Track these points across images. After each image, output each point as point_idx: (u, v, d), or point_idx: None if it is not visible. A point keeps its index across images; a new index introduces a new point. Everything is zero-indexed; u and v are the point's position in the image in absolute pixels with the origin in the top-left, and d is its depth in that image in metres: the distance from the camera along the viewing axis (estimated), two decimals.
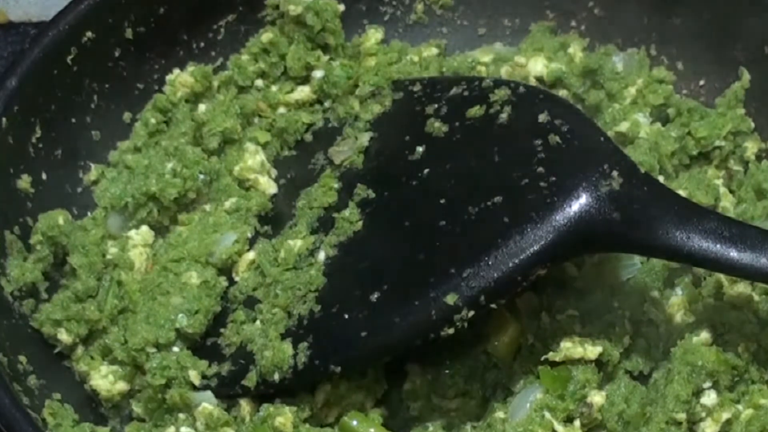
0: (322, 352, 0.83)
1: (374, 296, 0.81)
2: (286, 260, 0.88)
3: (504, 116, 0.86)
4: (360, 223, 0.86)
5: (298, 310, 0.85)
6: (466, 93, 0.90)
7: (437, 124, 0.89)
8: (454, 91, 0.91)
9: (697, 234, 0.77)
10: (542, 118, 0.84)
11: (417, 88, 0.94)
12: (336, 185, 0.90)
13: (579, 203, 0.78)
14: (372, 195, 0.88)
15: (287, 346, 0.83)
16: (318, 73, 0.98)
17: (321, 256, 0.86)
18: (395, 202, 0.87)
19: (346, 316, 0.82)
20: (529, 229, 0.78)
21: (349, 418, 0.85)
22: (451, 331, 0.79)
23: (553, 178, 0.79)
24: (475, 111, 0.88)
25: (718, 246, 0.77)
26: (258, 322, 0.87)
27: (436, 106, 0.90)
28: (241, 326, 0.87)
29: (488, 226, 0.80)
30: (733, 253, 0.76)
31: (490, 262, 0.78)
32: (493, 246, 0.78)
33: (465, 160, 0.86)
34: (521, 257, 0.77)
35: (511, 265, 0.77)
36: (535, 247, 0.77)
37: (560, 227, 0.77)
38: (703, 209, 0.80)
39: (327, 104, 0.98)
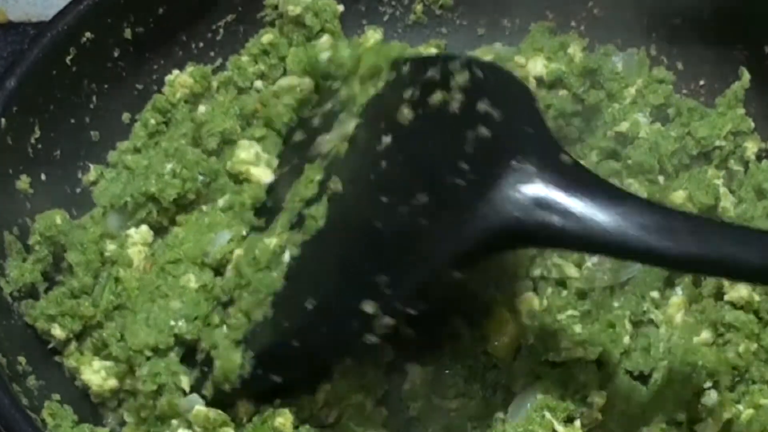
0: (262, 361, 0.81)
1: (310, 304, 0.78)
2: (259, 260, 0.85)
3: (455, 105, 0.80)
4: (323, 220, 0.83)
5: (255, 315, 0.83)
6: (437, 76, 0.82)
7: (406, 111, 0.82)
8: (430, 72, 0.83)
9: (626, 224, 0.70)
10: (480, 106, 0.78)
11: (406, 68, 0.86)
12: (318, 177, 0.86)
13: (495, 204, 0.72)
14: (340, 189, 0.83)
15: (237, 355, 0.82)
16: (324, 55, 0.95)
17: (286, 256, 0.83)
18: (353, 198, 0.82)
19: (285, 324, 0.80)
20: (441, 233, 0.73)
21: (349, 419, 0.85)
22: (374, 339, 0.76)
23: (473, 177, 0.74)
24: (436, 98, 0.81)
25: (645, 234, 0.70)
26: (224, 327, 0.85)
27: (411, 90, 0.83)
28: (213, 330, 0.86)
29: (409, 229, 0.75)
30: (656, 242, 0.70)
31: (403, 268, 0.74)
32: (408, 251, 0.74)
33: (413, 154, 0.80)
34: (433, 263, 0.73)
35: (423, 270, 0.73)
36: (447, 253, 0.73)
37: (475, 230, 0.72)
38: (631, 197, 0.74)
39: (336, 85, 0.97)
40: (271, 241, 0.85)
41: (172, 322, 0.86)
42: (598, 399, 0.84)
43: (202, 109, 0.97)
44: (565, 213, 0.70)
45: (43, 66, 0.91)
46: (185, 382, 0.85)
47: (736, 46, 0.96)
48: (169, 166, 0.93)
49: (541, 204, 0.71)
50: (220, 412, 0.85)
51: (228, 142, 0.96)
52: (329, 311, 0.76)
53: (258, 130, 0.96)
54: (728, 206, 0.92)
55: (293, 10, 0.99)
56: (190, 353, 0.85)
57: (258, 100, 0.97)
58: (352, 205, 0.81)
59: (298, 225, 0.84)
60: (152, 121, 0.97)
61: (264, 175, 0.93)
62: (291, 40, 1.00)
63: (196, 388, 0.84)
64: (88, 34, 0.93)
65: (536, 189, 0.71)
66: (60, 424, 0.83)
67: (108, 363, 0.87)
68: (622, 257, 0.76)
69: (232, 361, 0.82)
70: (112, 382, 0.87)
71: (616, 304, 0.88)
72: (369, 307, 0.74)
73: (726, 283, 0.86)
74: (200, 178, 0.93)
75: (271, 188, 0.92)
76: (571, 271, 0.89)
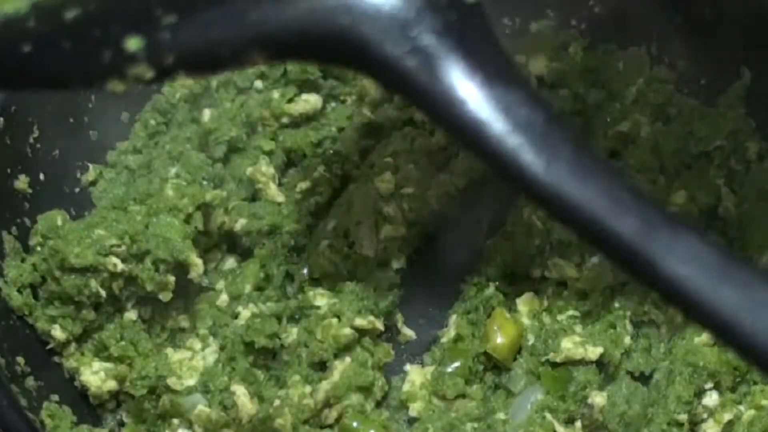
0: None
1: (70, 13, 0.61)
2: None
3: None
4: None
5: (6, 6, 0.63)
6: None
7: None
8: None
9: (493, 102, 0.54)
10: None
11: None
12: None
13: (357, 5, 0.56)
14: None
15: None
16: None
17: None
18: None
19: (29, 25, 0.62)
20: (267, 0, 0.58)
21: (350, 419, 0.85)
22: (120, 87, 0.60)
23: None
24: None
25: (514, 131, 0.54)
26: None
27: None
28: None
29: None
30: (530, 151, 0.53)
31: (202, 19, 0.58)
32: (220, 2, 0.59)
33: None
34: (238, 28, 0.58)
35: (222, 30, 0.58)
36: (260, 23, 0.58)
37: (306, 13, 0.57)
38: (523, 86, 0.56)
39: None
40: None
41: None
42: (598, 400, 0.84)
43: (207, 114, 0.97)
44: (432, 65, 0.55)
45: None
46: (173, 382, 0.86)
47: (738, 46, 0.96)
48: (173, 170, 0.93)
49: (410, 40, 0.55)
50: (221, 413, 0.84)
51: (234, 149, 0.96)
52: (86, 29, 0.61)
53: (266, 143, 0.96)
54: (729, 206, 0.92)
55: None
56: None
57: (268, 111, 0.97)
58: None
59: None
60: (152, 122, 0.97)
61: None
62: None
63: None
64: None
65: (414, 19, 0.56)
66: (59, 424, 0.84)
67: (108, 364, 0.88)
68: (475, 149, 0.56)
69: None
70: (111, 384, 0.87)
71: (616, 305, 0.88)
72: (134, 43, 0.59)
73: None
74: (204, 183, 0.93)
75: None
76: (572, 271, 0.89)
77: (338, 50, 0.56)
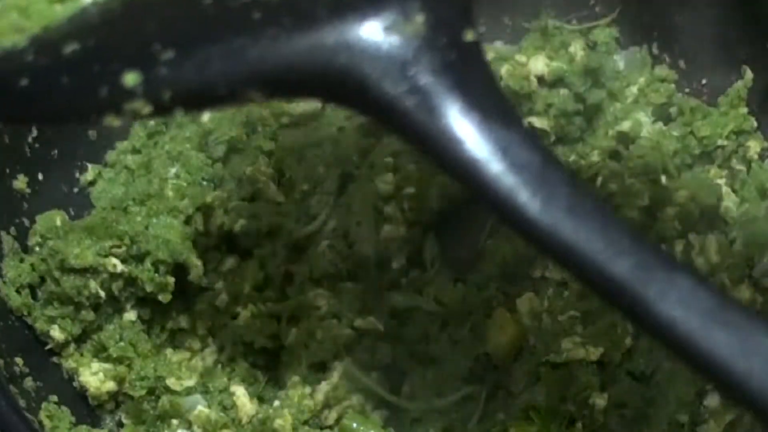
0: None
1: (69, 48, 0.61)
2: None
3: None
4: None
5: (4, 40, 0.64)
6: None
7: None
8: None
9: (490, 142, 0.54)
10: None
11: None
12: None
13: (347, 36, 0.55)
14: None
15: None
16: None
17: None
18: None
19: (28, 59, 0.63)
20: (264, 37, 0.57)
21: (349, 420, 0.85)
22: (116, 122, 0.60)
23: None
24: None
25: (512, 174, 0.53)
26: None
27: None
28: None
29: (236, 17, 0.59)
30: (526, 196, 0.53)
31: (200, 55, 0.58)
32: (219, 39, 0.58)
33: None
34: (236, 65, 0.57)
35: (220, 67, 0.58)
36: (258, 61, 0.57)
37: (304, 52, 0.56)
38: (520, 126, 0.56)
39: None
40: None
41: None
42: (599, 401, 0.84)
43: (206, 113, 0.97)
44: (430, 104, 0.54)
45: None
46: (172, 383, 0.86)
47: (739, 45, 0.96)
48: (173, 171, 0.93)
49: (409, 79, 0.55)
50: (221, 414, 0.84)
51: (234, 150, 0.96)
52: (84, 64, 0.61)
53: (266, 143, 0.96)
54: (731, 206, 0.92)
55: None
56: None
57: (268, 111, 0.97)
58: None
59: None
60: (152, 122, 0.97)
61: None
62: None
63: None
64: None
65: (421, 54, 0.55)
66: (58, 425, 0.83)
67: (107, 365, 0.88)
68: (472, 188, 0.55)
69: None
70: (111, 384, 0.87)
71: None
72: (132, 78, 0.58)
73: (729, 284, 0.86)
74: (204, 183, 0.93)
75: None
76: None
77: (337, 89, 0.56)
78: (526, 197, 0.53)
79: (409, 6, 0.56)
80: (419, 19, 0.55)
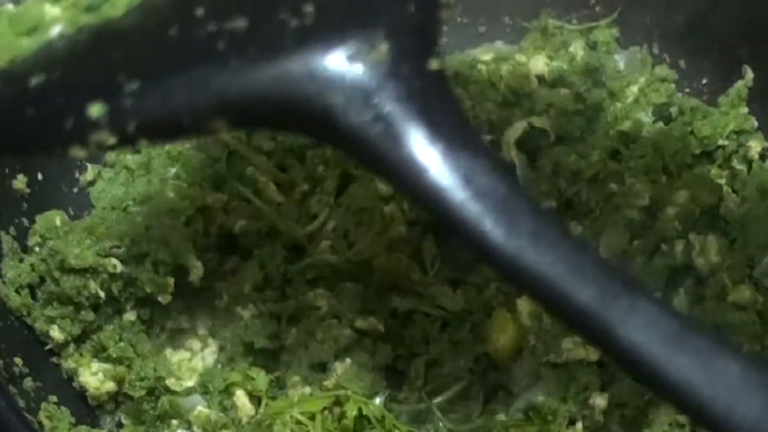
0: None
1: (36, 79, 0.61)
2: (24, 22, 0.67)
3: None
4: (122, 10, 0.65)
5: None
6: None
7: None
8: None
9: (454, 170, 0.54)
10: None
11: None
12: None
13: (311, 65, 0.55)
14: None
15: None
16: None
17: (55, 31, 0.65)
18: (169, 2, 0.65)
19: None
20: (229, 67, 0.57)
21: (350, 421, 0.85)
22: (82, 153, 0.59)
23: (309, 20, 0.57)
24: None
25: (475, 203, 0.53)
26: None
27: None
28: None
29: (200, 47, 0.59)
30: (490, 225, 0.53)
31: (165, 85, 0.57)
32: (183, 69, 0.58)
33: None
34: (200, 95, 0.57)
35: (185, 97, 0.57)
36: (222, 91, 0.57)
37: (269, 82, 0.56)
38: (485, 154, 0.55)
39: None
40: (52, 12, 0.68)
41: None
42: (600, 401, 0.84)
43: None
44: (394, 132, 0.54)
45: None
46: (172, 383, 0.86)
47: (740, 44, 0.96)
48: (173, 171, 0.93)
49: (373, 107, 0.55)
50: (220, 414, 0.84)
51: (234, 150, 0.96)
52: (50, 96, 0.61)
53: (266, 143, 0.96)
54: (731, 206, 0.92)
55: None
56: None
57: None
58: (163, 5, 0.64)
59: (93, 7, 0.67)
60: None
61: None
62: None
63: None
64: None
65: (385, 82, 0.55)
66: (57, 426, 0.83)
67: (106, 365, 0.87)
68: (437, 215, 0.55)
69: None
70: (110, 385, 0.87)
71: None
72: (96, 110, 0.58)
73: (729, 284, 0.86)
74: (204, 184, 0.93)
75: None
76: None
77: (301, 119, 0.56)
78: (489, 225, 0.52)
79: (373, 35, 0.55)
80: (383, 47, 0.55)
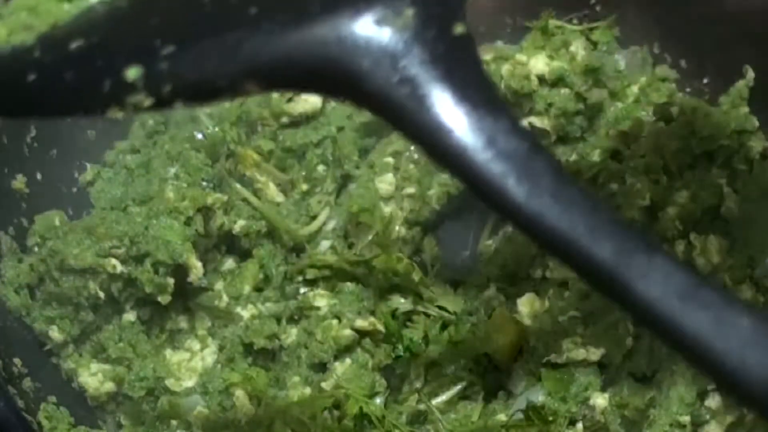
0: None
1: (75, 44, 0.63)
2: None
3: None
4: None
5: (15, 37, 0.66)
6: None
7: None
8: None
9: (478, 131, 0.55)
10: None
11: None
12: None
13: (340, 30, 0.57)
14: None
15: None
16: None
17: None
18: None
19: (34, 55, 0.65)
20: (260, 32, 0.59)
21: (349, 421, 0.85)
22: (119, 115, 0.61)
23: None
24: None
25: (496, 161, 0.55)
26: None
27: None
28: None
29: (234, 12, 0.61)
30: (512, 185, 0.55)
31: (199, 49, 0.60)
32: (216, 33, 0.60)
33: None
34: (233, 58, 0.59)
35: (218, 60, 0.60)
36: (254, 54, 0.59)
37: (299, 45, 0.58)
38: (507, 116, 0.57)
39: None
40: None
41: None
42: (600, 401, 0.84)
43: (206, 113, 0.97)
44: (420, 95, 0.56)
45: None
46: (172, 383, 0.86)
47: (740, 44, 0.96)
48: (172, 171, 0.93)
49: (399, 70, 0.56)
50: (219, 414, 0.84)
51: (234, 150, 0.96)
52: (88, 59, 0.63)
53: (265, 143, 0.96)
54: (732, 206, 0.92)
55: None
56: None
57: (268, 111, 0.97)
58: None
59: None
60: (150, 121, 0.97)
61: None
62: None
63: None
64: None
65: (411, 46, 0.57)
66: (56, 426, 0.83)
67: (106, 366, 0.87)
68: (460, 175, 0.57)
69: None
70: (110, 385, 0.87)
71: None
72: (133, 72, 0.60)
73: (730, 284, 0.86)
74: (203, 183, 0.93)
75: None
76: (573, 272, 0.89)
77: (331, 81, 0.58)
78: (512, 184, 0.54)
79: (399, 1, 0.57)
80: (409, 12, 0.57)
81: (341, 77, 0.57)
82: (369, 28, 0.56)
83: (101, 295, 0.87)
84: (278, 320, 0.91)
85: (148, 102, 0.59)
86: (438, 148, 0.55)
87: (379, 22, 0.57)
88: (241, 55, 0.59)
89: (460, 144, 0.55)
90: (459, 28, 0.58)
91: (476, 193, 0.56)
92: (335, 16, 0.57)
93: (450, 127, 0.55)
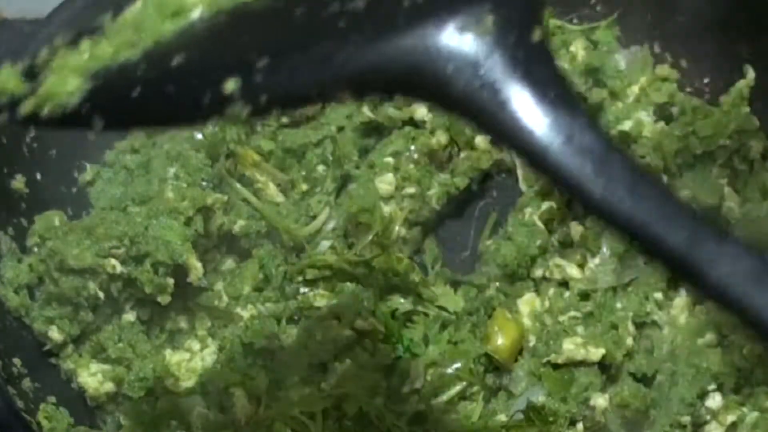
0: (93, 97, 0.67)
1: (177, 60, 0.66)
2: (168, 5, 0.69)
3: None
4: None
5: (120, 55, 0.68)
6: None
7: None
8: None
9: (557, 130, 0.60)
10: None
11: None
12: None
13: (425, 39, 0.61)
14: None
15: (75, 82, 0.66)
16: None
17: (196, 14, 0.69)
18: None
19: (140, 71, 0.67)
20: (349, 44, 0.63)
21: (349, 421, 0.85)
22: (215, 120, 0.65)
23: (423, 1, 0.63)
24: None
25: (576, 161, 0.59)
26: (85, 54, 0.68)
27: None
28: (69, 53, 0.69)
29: (324, 26, 0.64)
30: (589, 176, 0.59)
31: (292, 61, 0.64)
32: (308, 46, 0.63)
33: None
34: (323, 70, 0.63)
35: (309, 72, 0.63)
36: (344, 65, 0.62)
37: (385, 56, 0.62)
38: (583, 113, 0.61)
39: None
40: None
41: None
42: (600, 401, 0.84)
43: None
44: (501, 98, 0.60)
45: None
46: (171, 384, 0.86)
47: (741, 44, 0.95)
48: (172, 171, 0.93)
49: (481, 76, 0.60)
50: (219, 414, 0.84)
51: (234, 150, 0.96)
52: (189, 74, 0.66)
53: (266, 143, 0.96)
54: (733, 206, 0.92)
55: None
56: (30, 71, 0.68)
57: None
58: None
59: None
60: None
61: None
62: None
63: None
64: None
65: (485, 57, 0.60)
66: (56, 426, 0.83)
67: (105, 366, 0.87)
68: (541, 171, 0.61)
69: (64, 84, 0.66)
70: (109, 385, 0.87)
71: (618, 306, 0.87)
72: (231, 84, 0.63)
73: None
74: (203, 184, 0.93)
75: None
76: (574, 272, 0.89)
77: (417, 87, 0.61)
78: (590, 178, 0.58)
79: (480, 9, 0.60)
80: (489, 20, 0.60)
81: (426, 84, 0.60)
82: (452, 36, 0.60)
83: (101, 295, 0.87)
84: (278, 320, 0.91)
85: (245, 111, 0.62)
86: (519, 146, 0.59)
87: (461, 31, 0.60)
88: (331, 66, 0.62)
89: (540, 143, 0.59)
90: (537, 34, 0.61)
91: (556, 186, 0.60)
92: (420, 28, 0.60)
93: (530, 128, 0.59)
